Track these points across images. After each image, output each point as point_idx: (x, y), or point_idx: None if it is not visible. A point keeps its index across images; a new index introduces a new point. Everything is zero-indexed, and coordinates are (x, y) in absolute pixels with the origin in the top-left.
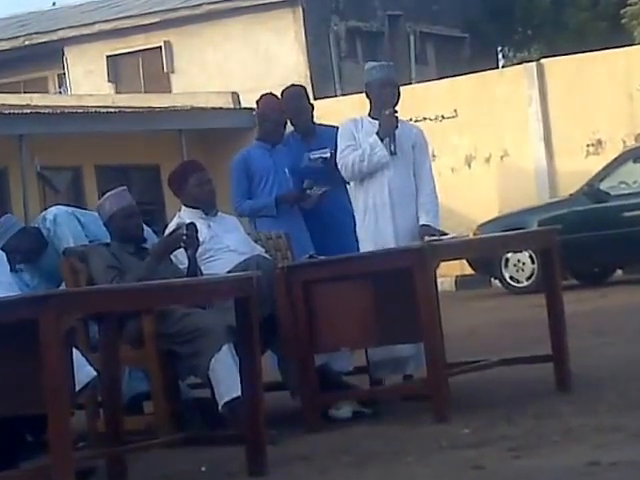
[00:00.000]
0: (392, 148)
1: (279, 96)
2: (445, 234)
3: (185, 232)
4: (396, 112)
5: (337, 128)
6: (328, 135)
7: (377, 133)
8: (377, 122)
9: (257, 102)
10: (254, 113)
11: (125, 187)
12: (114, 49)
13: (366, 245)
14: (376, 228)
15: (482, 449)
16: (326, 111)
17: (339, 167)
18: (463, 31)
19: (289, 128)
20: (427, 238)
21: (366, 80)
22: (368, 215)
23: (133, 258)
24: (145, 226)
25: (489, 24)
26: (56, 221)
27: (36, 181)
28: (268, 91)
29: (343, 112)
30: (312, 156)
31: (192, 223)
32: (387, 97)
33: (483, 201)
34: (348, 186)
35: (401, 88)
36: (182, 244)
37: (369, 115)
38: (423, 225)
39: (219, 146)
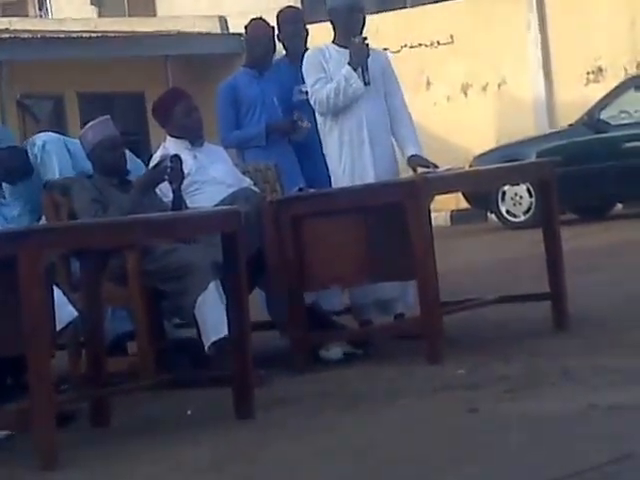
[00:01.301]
0: (366, 78)
1: (274, 18)
2: (436, 166)
3: (170, 164)
4: (366, 39)
5: None
6: None
7: (349, 63)
8: (345, 51)
9: (246, 27)
10: (242, 38)
11: (109, 116)
12: None
13: (343, 182)
14: (353, 164)
15: (477, 391)
16: (317, 35)
17: (312, 102)
18: None
19: (278, 54)
20: (420, 169)
21: (330, 5)
22: (345, 151)
23: (117, 191)
24: (131, 154)
25: None
26: (45, 148)
27: (16, 110)
28: (258, 15)
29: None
30: (303, 89)
31: (177, 155)
32: (355, 23)
33: (480, 131)
34: (319, 118)
35: (396, 12)
36: (166, 177)
37: (334, 42)
38: (412, 156)
39: (206, 72)
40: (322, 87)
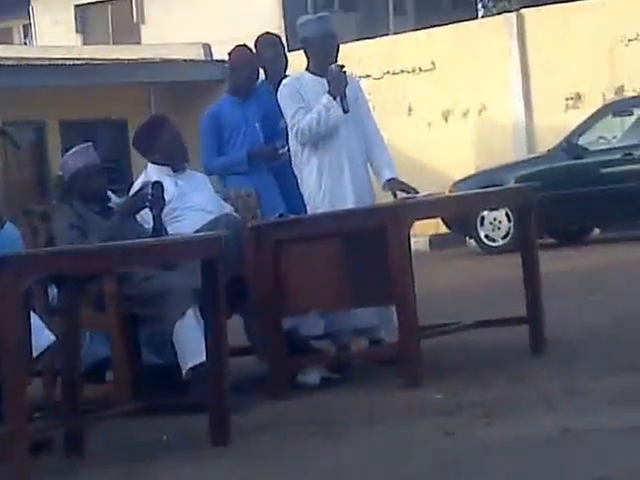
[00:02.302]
0: (345, 106)
1: (252, 46)
2: (415, 190)
3: (151, 191)
4: (343, 67)
5: None
6: None
7: (329, 92)
8: (321, 79)
9: (229, 54)
10: (226, 65)
11: (90, 143)
12: None
13: (323, 209)
14: (333, 192)
15: (454, 415)
16: (300, 63)
17: (292, 132)
18: None
19: (260, 79)
20: (399, 194)
21: (303, 34)
22: (325, 178)
23: (97, 217)
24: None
25: None
26: None
27: None
28: (241, 43)
29: None
30: None
31: (158, 182)
32: (329, 51)
33: (460, 157)
34: (294, 148)
35: (378, 39)
36: (147, 203)
37: (308, 70)
38: (390, 179)
39: (189, 99)
40: (302, 117)
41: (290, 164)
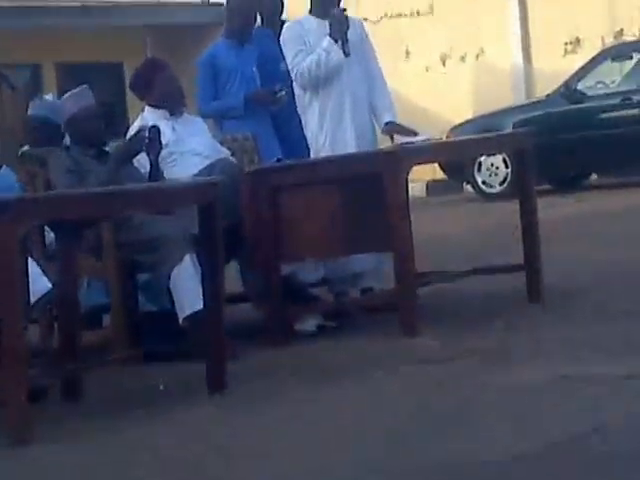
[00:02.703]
0: (346, 50)
1: None
2: (415, 133)
3: (147, 135)
4: (345, 10)
5: None
6: None
7: (330, 35)
8: (324, 21)
9: None
10: (222, 8)
11: (86, 86)
12: None
13: (324, 153)
14: (334, 135)
15: (451, 363)
16: (296, 6)
17: (292, 75)
18: None
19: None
20: (397, 137)
21: None
22: (326, 122)
23: (94, 162)
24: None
25: None
26: None
27: None
28: None
29: None
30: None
31: (155, 126)
32: None
33: (457, 102)
34: (298, 91)
35: None
36: (144, 148)
37: (311, 13)
38: (388, 122)
39: (185, 43)
40: (302, 60)
41: (292, 107)
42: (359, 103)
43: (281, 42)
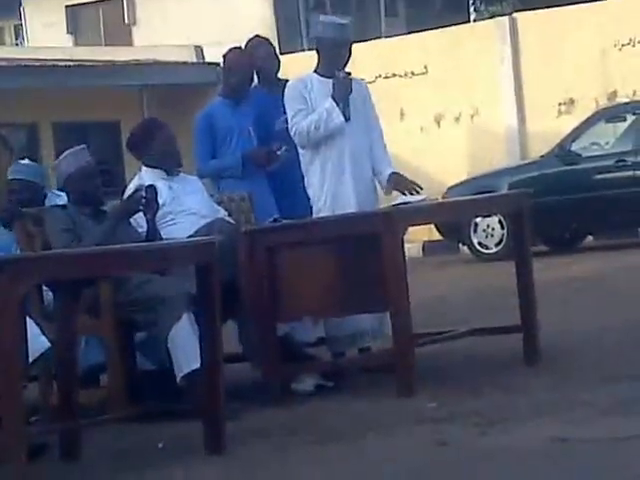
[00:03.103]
0: (347, 113)
1: (244, 48)
2: (418, 186)
3: (144, 195)
4: (349, 74)
5: None
6: None
7: (332, 96)
8: (328, 80)
9: (224, 56)
10: (218, 68)
11: (84, 146)
12: None
13: (325, 212)
14: (335, 194)
15: (448, 424)
16: (292, 66)
17: (291, 133)
18: None
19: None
20: (397, 196)
21: (319, 34)
22: (327, 182)
23: (91, 221)
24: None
25: None
26: None
27: None
28: (233, 45)
29: (310, 67)
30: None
31: (152, 185)
32: (341, 58)
33: (453, 162)
34: (300, 149)
35: (370, 42)
36: (141, 207)
37: (316, 72)
38: (393, 173)
39: (181, 102)
40: (302, 119)
41: (294, 165)
42: (360, 163)
43: (284, 100)
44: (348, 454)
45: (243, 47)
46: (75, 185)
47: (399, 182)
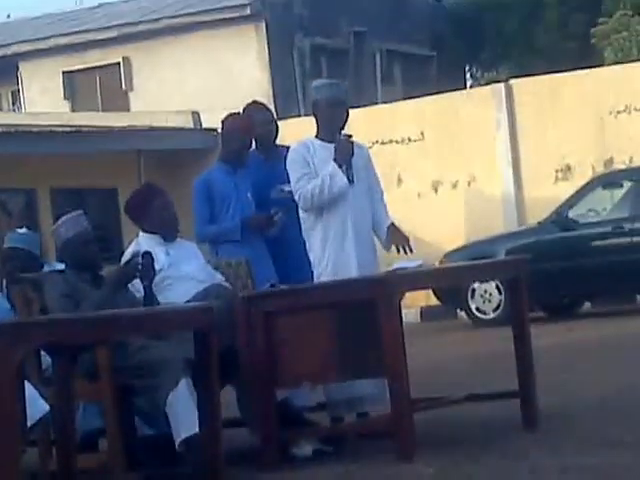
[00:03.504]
0: (350, 176)
1: (242, 114)
2: (409, 247)
3: (141, 261)
4: (351, 136)
5: None
6: None
7: (334, 160)
8: (329, 145)
9: (223, 122)
10: (215, 133)
11: (81, 211)
12: (70, 65)
13: (326, 276)
14: (337, 259)
15: None
16: (289, 131)
17: (296, 197)
18: (430, 50)
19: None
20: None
21: (313, 99)
22: (329, 246)
23: (89, 286)
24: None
25: (457, 43)
26: None
27: None
28: (230, 111)
29: (307, 132)
30: (286, 188)
31: (148, 252)
32: (337, 118)
33: (450, 228)
34: (302, 214)
35: (367, 108)
36: (138, 274)
37: (317, 137)
38: (391, 225)
39: (178, 167)
40: (306, 183)
41: (295, 229)
42: (362, 228)
43: (287, 165)
44: None
45: (241, 112)
46: (73, 250)
47: (395, 234)
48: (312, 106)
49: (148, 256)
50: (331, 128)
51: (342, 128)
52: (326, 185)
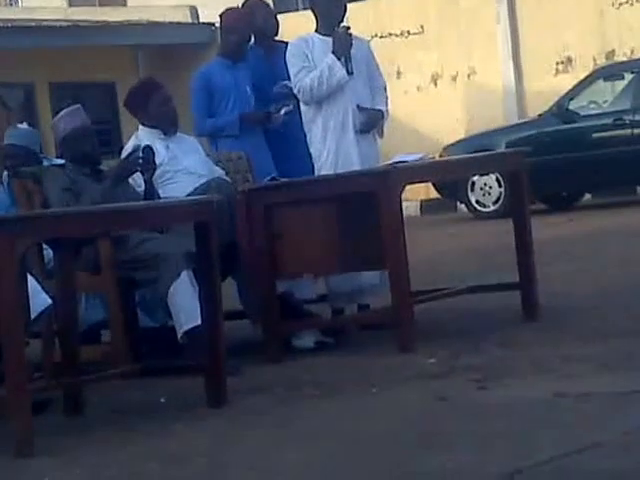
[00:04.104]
0: (349, 67)
1: (242, 8)
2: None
3: (141, 155)
4: (349, 28)
5: None
6: None
7: (333, 52)
8: (329, 39)
9: (221, 16)
10: (213, 28)
11: (79, 105)
12: None
13: (327, 169)
14: (337, 150)
15: (447, 380)
16: (288, 27)
17: (295, 90)
18: None
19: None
20: (397, 156)
21: None
22: (329, 137)
23: (89, 180)
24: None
25: None
26: None
27: None
28: (228, 5)
29: (306, 27)
30: (289, 84)
31: (148, 146)
32: (336, 12)
33: (450, 121)
34: (302, 107)
35: (365, 2)
36: (138, 168)
37: (317, 32)
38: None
39: (176, 62)
40: (305, 76)
41: (296, 123)
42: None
43: (286, 58)
44: (349, 407)
45: (240, 7)
46: (72, 144)
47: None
48: (310, 2)
49: (149, 150)
50: (330, 22)
51: (341, 22)
52: (324, 76)
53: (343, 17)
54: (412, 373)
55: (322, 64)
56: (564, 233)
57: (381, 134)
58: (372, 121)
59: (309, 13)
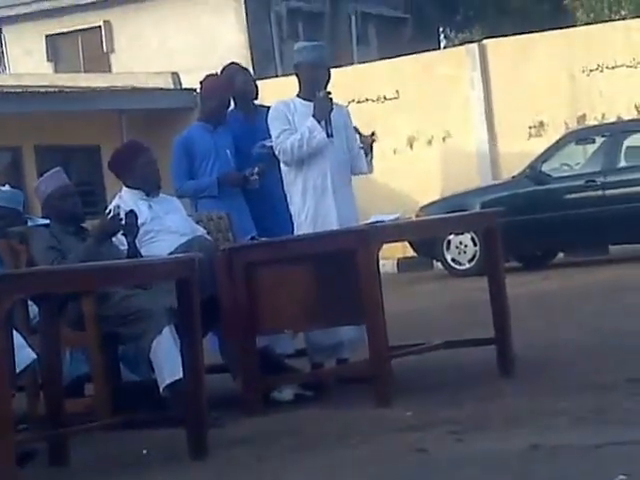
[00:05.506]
0: (329, 131)
1: (221, 74)
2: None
3: (125, 220)
4: (330, 93)
5: None
6: None
7: (313, 115)
8: (310, 104)
9: (201, 82)
10: (195, 93)
11: (60, 168)
12: (53, 28)
13: (306, 227)
14: (316, 211)
15: (424, 432)
16: (267, 92)
17: (276, 152)
18: (405, 12)
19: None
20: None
21: (296, 60)
22: (308, 199)
23: (73, 238)
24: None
25: (430, 4)
26: None
27: None
28: (209, 71)
29: (284, 93)
30: (267, 144)
31: (132, 211)
32: (319, 79)
33: (425, 183)
34: (283, 168)
35: (343, 69)
36: (121, 230)
37: (299, 96)
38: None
39: (159, 127)
40: (286, 138)
41: (276, 183)
42: (341, 182)
43: (268, 121)
44: (328, 460)
45: (219, 73)
46: (55, 203)
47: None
48: (294, 67)
49: (132, 214)
50: (312, 88)
51: (325, 88)
52: (305, 139)
53: (327, 83)
54: (390, 426)
55: (303, 127)
56: (539, 290)
57: (371, 169)
58: (366, 146)
59: (288, 79)
